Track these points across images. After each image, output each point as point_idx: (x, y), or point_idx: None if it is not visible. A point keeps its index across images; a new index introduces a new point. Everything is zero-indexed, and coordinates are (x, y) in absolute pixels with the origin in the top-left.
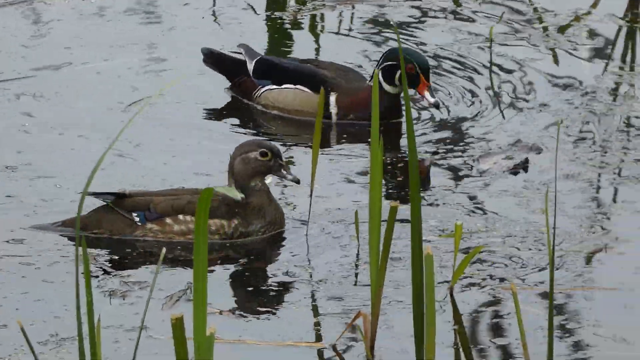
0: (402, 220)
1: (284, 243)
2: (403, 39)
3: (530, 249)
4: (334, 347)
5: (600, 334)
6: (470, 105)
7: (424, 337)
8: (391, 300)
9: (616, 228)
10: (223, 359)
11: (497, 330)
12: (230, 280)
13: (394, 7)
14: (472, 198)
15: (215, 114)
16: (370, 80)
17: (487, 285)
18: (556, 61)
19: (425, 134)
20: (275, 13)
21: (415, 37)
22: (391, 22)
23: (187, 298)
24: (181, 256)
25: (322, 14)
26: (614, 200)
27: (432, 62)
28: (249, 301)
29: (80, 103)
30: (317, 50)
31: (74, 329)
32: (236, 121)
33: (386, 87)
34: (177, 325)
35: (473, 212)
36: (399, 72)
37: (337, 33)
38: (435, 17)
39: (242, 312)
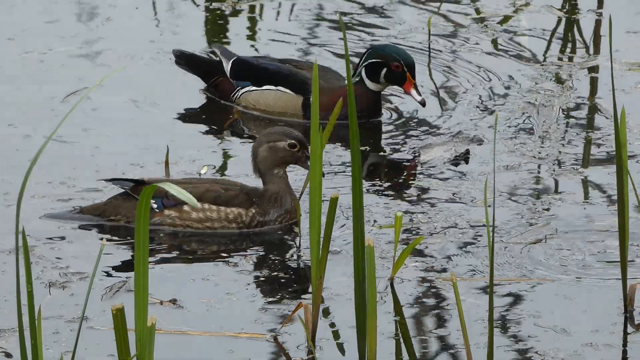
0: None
1: (227, 233)
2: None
3: (470, 240)
4: (275, 338)
5: (540, 324)
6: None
7: (365, 328)
8: (333, 291)
9: (556, 219)
10: (164, 350)
11: (437, 321)
12: (171, 270)
13: None
14: (413, 189)
15: (193, 116)
16: (355, 75)
17: (427, 276)
18: (495, 52)
19: (368, 128)
20: (214, 4)
21: (354, 29)
22: (335, 12)
23: (127, 289)
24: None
25: (262, 5)
26: (554, 191)
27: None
28: (190, 292)
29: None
30: (256, 40)
31: (15, 320)
32: (215, 123)
33: (369, 84)
34: (118, 316)
35: (414, 203)
36: (384, 70)
37: (276, 23)
38: (373, 8)
39: (183, 303)
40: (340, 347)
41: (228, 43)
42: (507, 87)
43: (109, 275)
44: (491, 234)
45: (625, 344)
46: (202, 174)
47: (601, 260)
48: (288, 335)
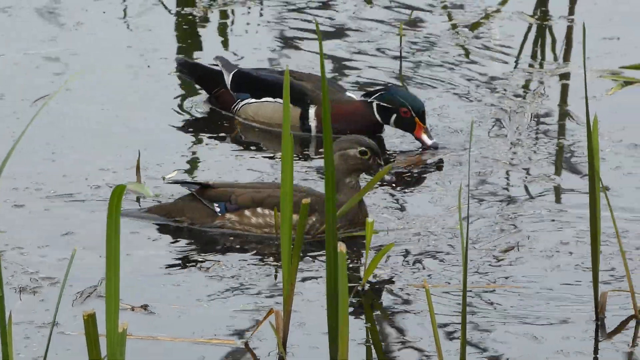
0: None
1: (199, 238)
2: (312, 32)
3: (443, 247)
4: (246, 344)
5: (512, 331)
6: None
7: (336, 334)
8: (304, 297)
9: (527, 226)
10: (135, 356)
11: (409, 327)
12: (143, 276)
13: (304, 3)
14: (387, 196)
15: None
16: (363, 97)
17: (399, 282)
18: (466, 59)
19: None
20: (186, 9)
21: (326, 36)
22: (313, 21)
23: (98, 294)
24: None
25: (233, 10)
26: (525, 198)
27: (342, 63)
28: (162, 297)
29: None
30: (227, 45)
31: None
32: (216, 134)
33: (379, 119)
34: (89, 321)
35: (388, 209)
36: (394, 116)
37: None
38: (346, 14)
39: (154, 309)
40: (312, 353)
41: (200, 48)
42: (479, 94)
43: (80, 280)
44: (464, 240)
45: (596, 352)
46: (169, 178)
47: (573, 267)
48: (259, 341)
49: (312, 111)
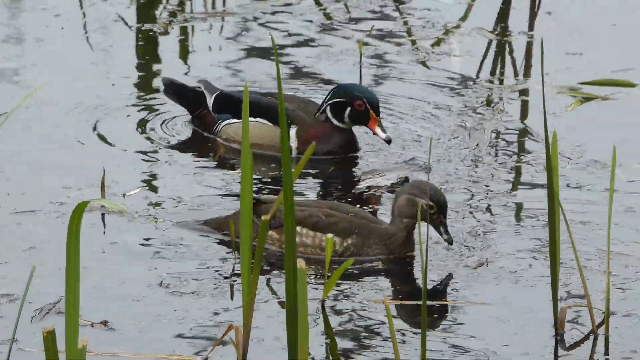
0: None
1: (160, 253)
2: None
3: (403, 263)
4: None
5: (472, 347)
6: None
7: (296, 350)
8: (264, 313)
9: (489, 242)
10: None
11: (369, 343)
12: (103, 291)
13: (264, 20)
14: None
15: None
16: (320, 113)
17: (359, 298)
18: (427, 75)
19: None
20: (146, 25)
21: (286, 53)
22: (269, 36)
23: (57, 310)
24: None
25: (193, 26)
26: (486, 214)
27: (302, 78)
28: (122, 313)
29: None
30: (187, 61)
31: None
32: (197, 154)
33: (336, 122)
34: (49, 338)
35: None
36: (348, 109)
37: (208, 45)
38: (305, 30)
39: (114, 325)
40: None
41: (158, 64)
42: (438, 110)
43: (39, 296)
44: (424, 257)
45: None
46: (129, 195)
47: (532, 282)
48: (219, 357)
49: (292, 132)
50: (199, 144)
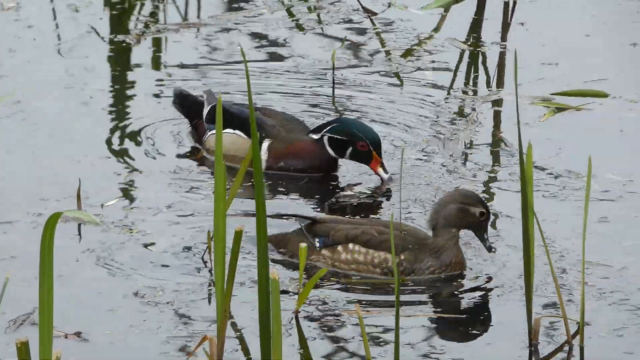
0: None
1: (136, 263)
2: (248, 61)
3: (378, 273)
4: None
5: (446, 357)
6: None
7: None
8: (239, 324)
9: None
10: None
11: (343, 354)
12: (78, 302)
13: (239, 31)
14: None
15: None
16: (311, 134)
17: (333, 308)
18: (399, 86)
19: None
20: (119, 36)
21: (258, 61)
22: (238, 46)
23: (31, 322)
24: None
25: (166, 37)
26: None
27: (274, 90)
28: (96, 324)
29: None
30: (160, 72)
31: None
32: (175, 165)
33: (332, 153)
34: (22, 349)
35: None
36: (350, 149)
37: (181, 56)
38: (277, 41)
39: (87, 336)
40: None
41: (133, 75)
42: (412, 121)
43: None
44: (397, 269)
45: None
46: (107, 206)
47: (507, 293)
48: None
49: (265, 145)
50: (177, 154)
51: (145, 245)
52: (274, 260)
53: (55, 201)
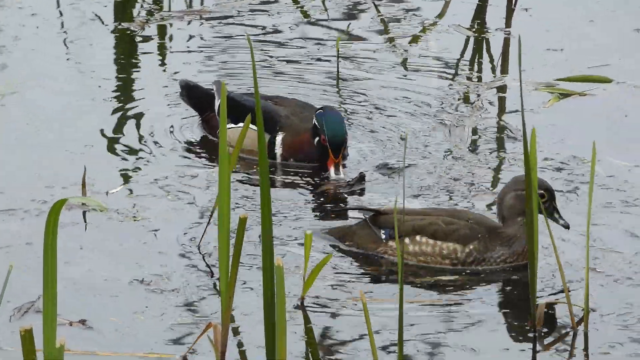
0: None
1: (141, 250)
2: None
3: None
4: (184, 358)
5: (450, 343)
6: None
7: (274, 348)
8: (243, 311)
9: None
10: None
11: (347, 340)
12: (83, 289)
13: (242, 18)
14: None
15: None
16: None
17: (338, 295)
18: (404, 72)
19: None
20: (123, 23)
21: (263, 49)
22: (240, 34)
23: (36, 309)
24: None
25: (171, 24)
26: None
27: (279, 77)
28: (100, 311)
29: None
30: (165, 60)
31: None
32: (180, 154)
33: (313, 140)
34: (26, 337)
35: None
36: (317, 139)
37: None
38: (282, 28)
39: (92, 323)
40: None
41: (136, 63)
42: (418, 107)
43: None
44: (401, 256)
45: None
46: (112, 193)
47: (512, 279)
48: (197, 356)
49: (279, 138)
50: (184, 142)
51: (150, 233)
52: (340, 251)
53: (62, 188)
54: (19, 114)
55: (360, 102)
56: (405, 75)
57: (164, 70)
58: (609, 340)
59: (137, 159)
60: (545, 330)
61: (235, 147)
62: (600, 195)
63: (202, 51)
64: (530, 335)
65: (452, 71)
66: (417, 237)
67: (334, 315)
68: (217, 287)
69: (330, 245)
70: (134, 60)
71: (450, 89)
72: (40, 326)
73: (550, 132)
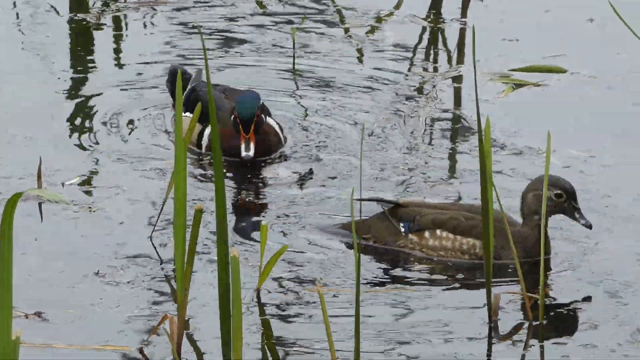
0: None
1: (96, 242)
2: (206, 39)
3: (337, 251)
4: (140, 350)
5: (406, 334)
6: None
7: (230, 339)
8: (199, 302)
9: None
10: None
11: (304, 331)
12: (37, 282)
13: (198, 8)
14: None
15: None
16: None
17: (294, 286)
18: (360, 63)
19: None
20: (79, 14)
21: (219, 40)
22: (194, 25)
23: None
24: None
25: (126, 15)
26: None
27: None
28: (56, 303)
29: None
30: (120, 51)
31: None
32: (136, 146)
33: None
34: None
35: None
36: (232, 117)
37: (141, 34)
38: (238, 19)
39: (48, 315)
40: (206, 358)
41: (92, 54)
42: (372, 99)
43: None
44: (358, 246)
45: (489, 354)
46: (68, 184)
47: (467, 270)
48: (154, 347)
49: (207, 130)
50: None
51: (106, 224)
52: (361, 246)
53: (18, 179)
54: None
55: (315, 92)
56: (361, 66)
57: (120, 61)
58: (564, 330)
59: (93, 150)
60: (501, 320)
61: (186, 137)
62: None
63: (156, 41)
64: (485, 325)
65: (408, 62)
66: (438, 232)
67: (291, 306)
68: (173, 279)
69: (343, 241)
70: (90, 52)
71: (406, 79)
72: None
73: (505, 122)
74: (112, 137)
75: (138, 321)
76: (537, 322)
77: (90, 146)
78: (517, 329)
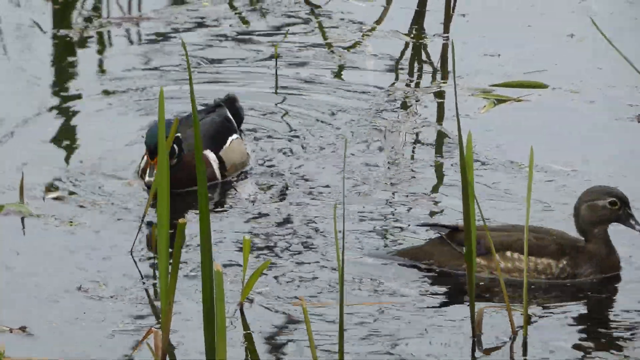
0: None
1: (79, 257)
2: (191, 55)
3: (323, 265)
4: None
5: (390, 349)
6: (256, 124)
7: (214, 354)
8: (184, 317)
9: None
10: None
11: (287, 345)
12: (22, 296)
13: (180, 25)
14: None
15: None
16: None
17: (278, 300)
18: (341, 78)
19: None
20: (62, 30)
21: (201, 56)
22: (177, 40)
23: None
24: None
25: (109, 31)
26: (406, 217)
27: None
28: (40, 318)
29: None
30: (103, 67)
31: None
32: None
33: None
34: None
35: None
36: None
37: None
38: (220, 35)
39: (33, 330)
40: None
41: (75, 69)
42: (354, 113)
43: None
44: (341, 259)
45: None
46: (49, 198)
47: (451, 284)
48: None
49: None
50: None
51: (87, 238)
52: (422, 271)
53: (0, 193)
54: None
55: (297, 107)
56: (342, 81)
57: (103, 76)
58: (548, 346)
59: (75, 164)
60: (485, 335)
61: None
62: (539, 199)
63: (139, 58)
64: (469, 340)
65: (390, 77)
66: (508, 253)
67: (274, 320)
68: (157, 293)
69: (404, 265)
70: (73, 67)
71: (388, 95)
72: None
73: (486, 137)
74: (93, 151)
75: (122, 335)
76: (521, 337)
77: (71, 160)
78: (500, 344)
